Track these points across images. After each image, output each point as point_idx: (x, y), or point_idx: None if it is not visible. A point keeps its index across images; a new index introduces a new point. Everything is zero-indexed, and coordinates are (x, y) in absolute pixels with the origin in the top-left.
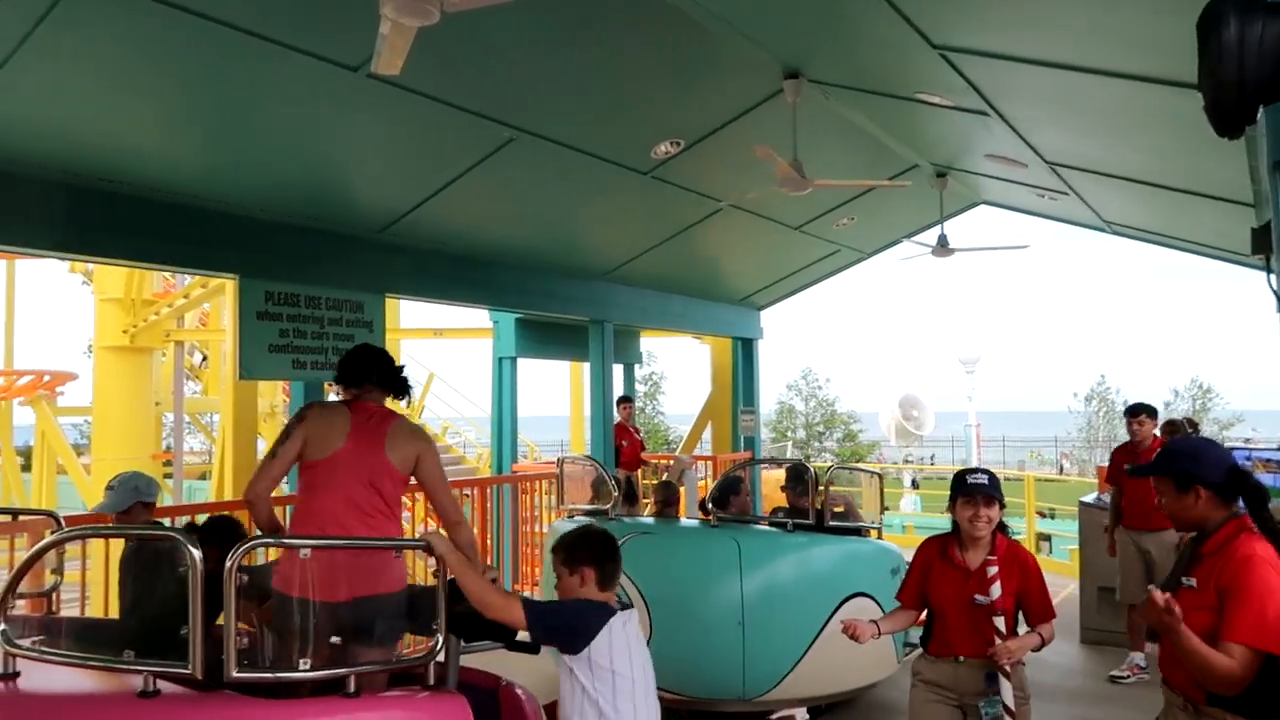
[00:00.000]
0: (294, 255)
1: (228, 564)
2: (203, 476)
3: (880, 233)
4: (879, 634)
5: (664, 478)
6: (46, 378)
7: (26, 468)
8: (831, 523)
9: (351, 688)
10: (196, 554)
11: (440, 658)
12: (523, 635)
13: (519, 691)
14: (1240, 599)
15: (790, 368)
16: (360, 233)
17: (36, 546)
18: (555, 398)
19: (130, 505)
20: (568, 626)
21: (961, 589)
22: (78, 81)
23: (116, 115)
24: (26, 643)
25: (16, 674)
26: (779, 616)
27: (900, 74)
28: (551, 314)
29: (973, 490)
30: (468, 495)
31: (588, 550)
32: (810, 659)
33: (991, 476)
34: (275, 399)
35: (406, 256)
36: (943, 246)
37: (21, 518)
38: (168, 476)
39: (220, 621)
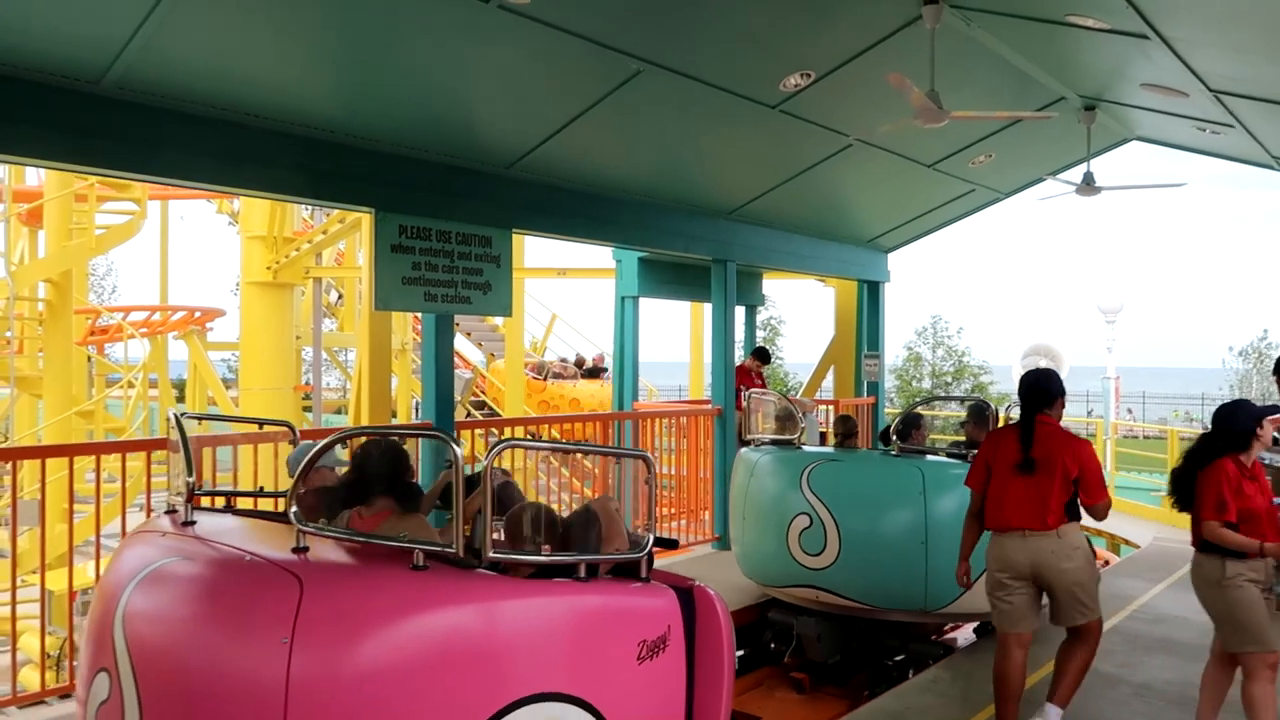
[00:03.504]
0: (427, 190)
1: (484, 463)
2: (338, 411)
3: (1020, 171)
4: None
5: (841, 412)
6: (197, 313)
7: (181, 399)
8: None
9: (582, 573)
10: (459, 450)
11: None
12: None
13: (711, 591)
14: None
15: (918, 314)
16: (489, 168)
17: (323, 442)
18: (675, 343)
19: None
20: None
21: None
22: (224, 18)
23: (260, 51)
24: (311, 526)
25: (306, 549)
26: (960, 538)
27: None
28: (674, 253)
29: None
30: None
31: None
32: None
33: None
34: (406, 336)
35: (533, 192)
36: (1088, 185)
37: (266, 428)
38: (307, 410)
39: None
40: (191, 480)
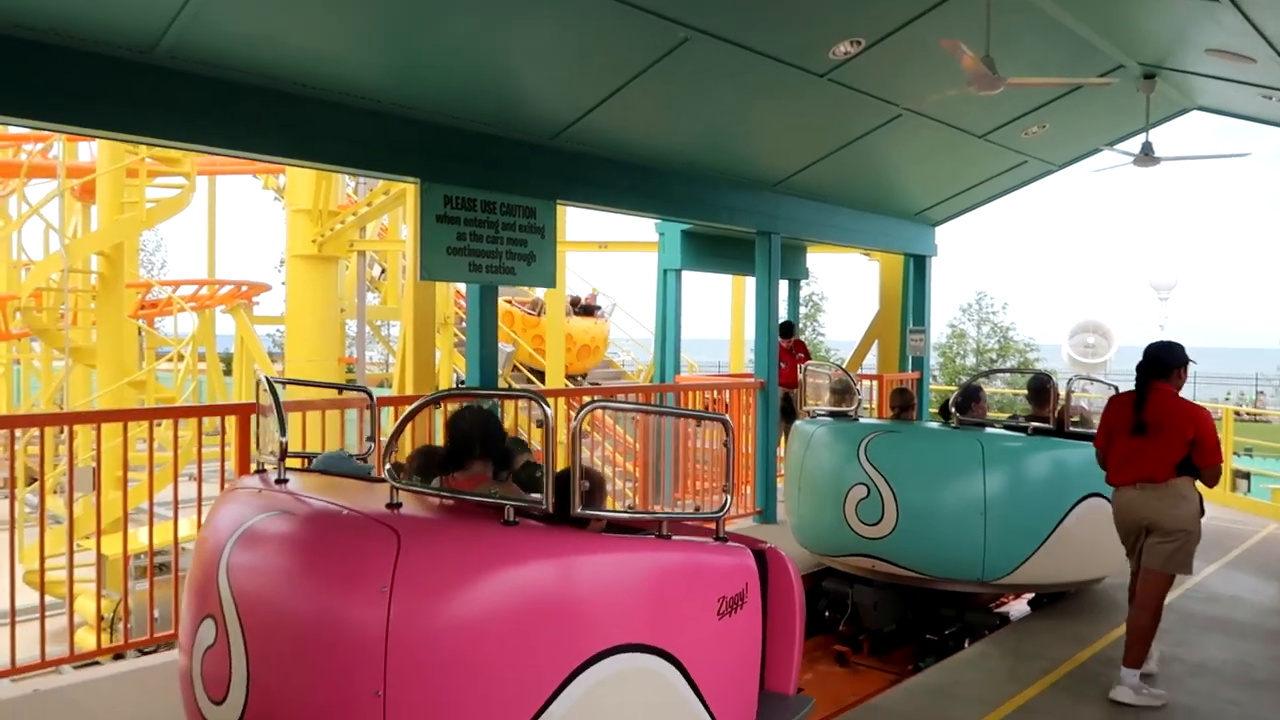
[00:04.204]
0: (471, 160)
1: (573, 424)
2: (381, 384)
3: (1074, 142)
4: None
5: (898, 384)
6: (244, 288)
7: (228, 372)
8: (1070, 429)
9: (665, 530)
10: (550, 410)
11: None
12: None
13: (783, 553)
14: None
15: (963, 289)
16: (534, 138)
17: (415, 404)
18: (715, 320)
19: None
20: None
21: None
22: None
23: (309, 21)
24: (405, 483)
25: (399, 505)
26: (1019, 510)
27: None
28: (719, 225)
29: None
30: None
31: None
32: (1046, 550)
33: None
34: (448, 310)
35: (578, 163)
36: (1147, 155)
37: (345, 393)
38: (351, 381)
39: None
40: (285, 440)
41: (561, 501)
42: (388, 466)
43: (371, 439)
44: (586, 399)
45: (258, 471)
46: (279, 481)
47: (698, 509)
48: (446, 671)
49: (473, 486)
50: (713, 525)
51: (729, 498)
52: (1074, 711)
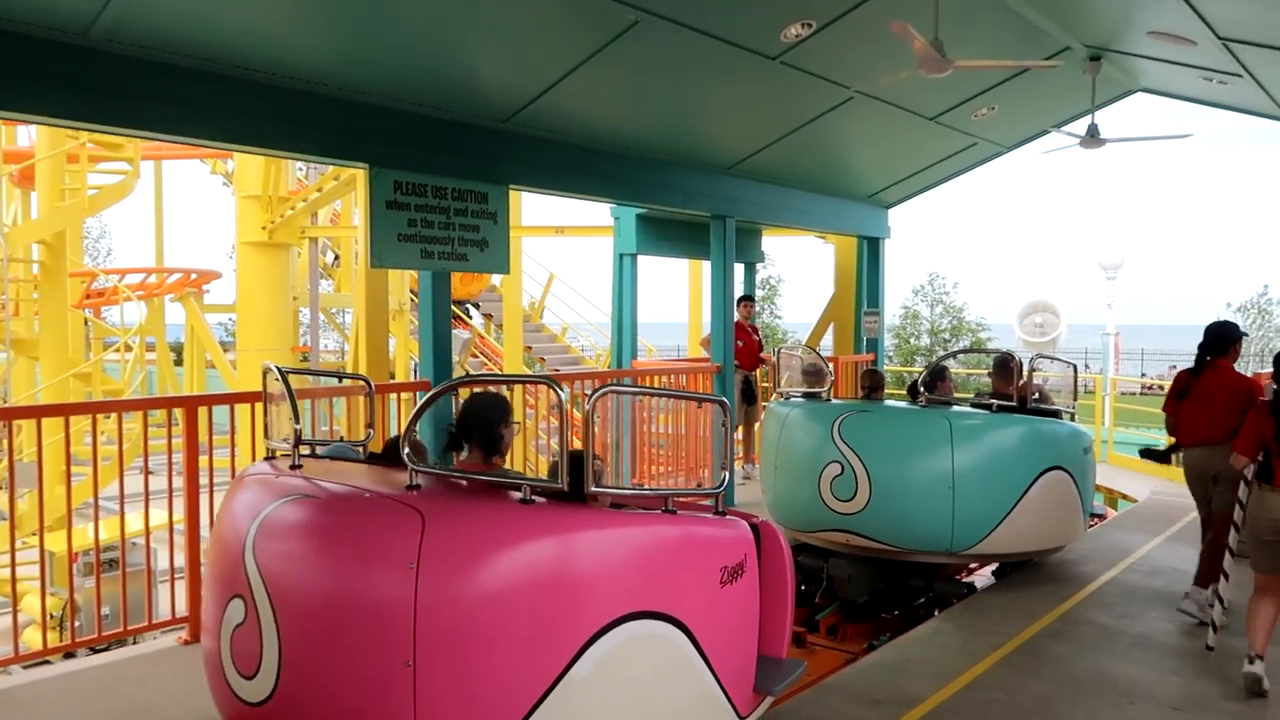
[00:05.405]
0: (422, 145)
1: (587, 407)
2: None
3: (1023, 124)
4: None
5: (868, 365)
6: (193, 275)
7: (178, 362)
8: (1031, 406)
9: (670, 505)
10: (564, 394)
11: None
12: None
13: (775, 526)
14: None
15: (915, 271)
16: (484, 123)
17: (432, 391)
18: (673, 304)
19: None
20: None
21: None
22: None
23: (251, 2)
24: (424, 466)
25: (419, 486)
26: (985, 484)
27: None
28: (673, 209)
29: None
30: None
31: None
32: (1010, 521)
33: None
34: (403, 296)
35: (530, 147)
36: (1093, 137)
37: (345, 381)
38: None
39: None
40: (299, 427)
41: (571, 480)
42: (406, 450)
43: (371, 425)
44: (598, 384)
45: (267, 458)
46: (293, 467)
47: (699, 485)
48: (473, 641)
49: (470, 469)
50: (710, 501)
51: (727, 474)
52: (1021, 685)
